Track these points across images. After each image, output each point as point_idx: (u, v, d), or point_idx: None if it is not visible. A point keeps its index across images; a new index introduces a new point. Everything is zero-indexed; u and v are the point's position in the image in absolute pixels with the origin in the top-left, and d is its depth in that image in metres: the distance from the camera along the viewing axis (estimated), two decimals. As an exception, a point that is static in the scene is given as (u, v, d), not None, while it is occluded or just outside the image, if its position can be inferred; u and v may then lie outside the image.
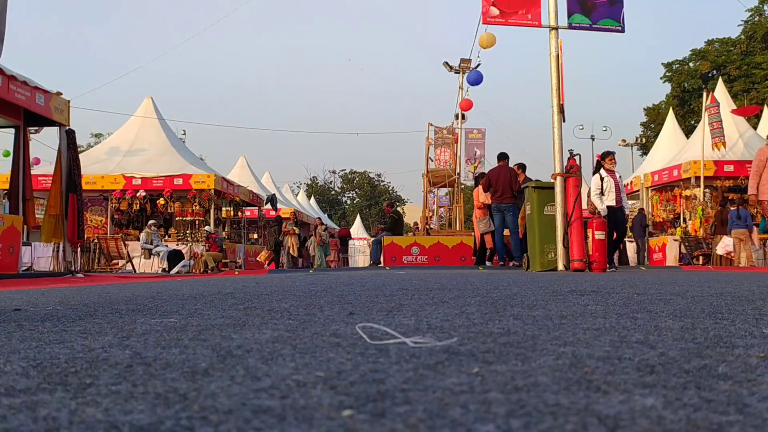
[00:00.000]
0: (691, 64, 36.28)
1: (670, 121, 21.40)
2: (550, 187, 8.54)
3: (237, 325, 1.75)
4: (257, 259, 18.66)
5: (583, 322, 1.77)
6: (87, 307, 2.56)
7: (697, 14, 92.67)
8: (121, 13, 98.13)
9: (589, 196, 9.45)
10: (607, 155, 9.37)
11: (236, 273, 11.68)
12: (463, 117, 22.17)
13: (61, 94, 10.03)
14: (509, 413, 0.75)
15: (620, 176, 9.52)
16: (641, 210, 17.10)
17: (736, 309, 2.15)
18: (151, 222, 15.44)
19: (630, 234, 16.79)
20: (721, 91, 17.23)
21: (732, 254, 13.33)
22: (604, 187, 9.10)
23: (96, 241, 14.82)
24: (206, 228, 15.98)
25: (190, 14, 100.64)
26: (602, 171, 9.16)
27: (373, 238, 19.42)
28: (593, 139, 36.80)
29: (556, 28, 8.74)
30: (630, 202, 22.01)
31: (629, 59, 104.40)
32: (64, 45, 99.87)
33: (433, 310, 2.14)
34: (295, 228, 19.73)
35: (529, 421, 0.71)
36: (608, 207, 9.02)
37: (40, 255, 12.20)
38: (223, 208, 18.64)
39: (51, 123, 10.08)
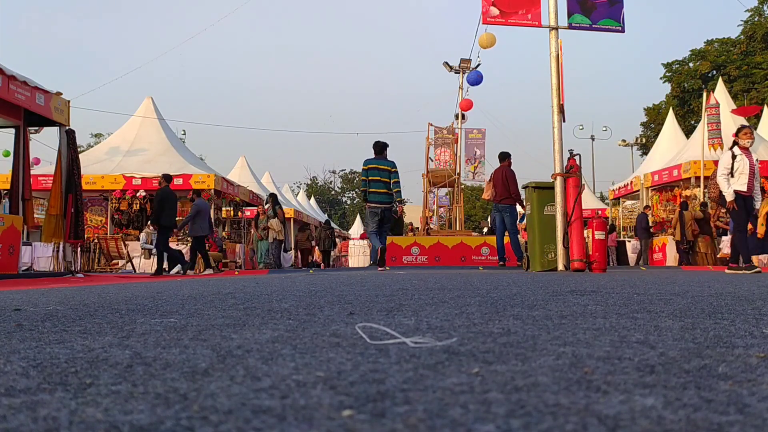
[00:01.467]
0: (691, 64, 36.31)
1: (670, 121, 21.43)
2: (550, 187, 8.54)
3: (237, 325, 1.75)
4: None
5: (583, 322, 1.77)
6: (87, 307, 2.56)
7: (697, 14, 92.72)
8: (121, 12, 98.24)
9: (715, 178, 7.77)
10: (742, 129, 7.69)
11: (236, 273, 11.68)
12: (463, 117, 22.19)
13: (61, 94, 10.04)
14: (509, 413, 0.75)
15: (757, 159, 7.75)
16: (645, 209, 17.07)
17: (736, 309, 2.15)
18: (150, 222, 15.44)
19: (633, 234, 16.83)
20: (721, 91, 17.25)
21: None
22: (735, 168, 7.39)
23: (96, 241, 14.83)
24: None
25: (190, 14, 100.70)
26: (736, 148, 7.50)
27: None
28: (593, 139, 36.83)
29: (556, 28, 8.75)
30: (629, 202, 22.03)
31: (629, 59, 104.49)
32: (64, 45, 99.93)
33: (433, 310, 2.14)
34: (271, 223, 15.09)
35: (529, 421, 0.71)
36: (737, 192, 7.33)
37: (40, 255, 12.20)
38: (223, 208, 18.64)
39: (51, 123, 10.09)
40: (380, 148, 9.79)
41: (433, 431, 0.68)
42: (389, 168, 9.56)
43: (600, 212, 23.72)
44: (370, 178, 9.55)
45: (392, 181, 9.56)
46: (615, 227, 20.26)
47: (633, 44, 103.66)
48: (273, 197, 14.98)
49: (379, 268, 9.44)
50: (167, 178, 11.55)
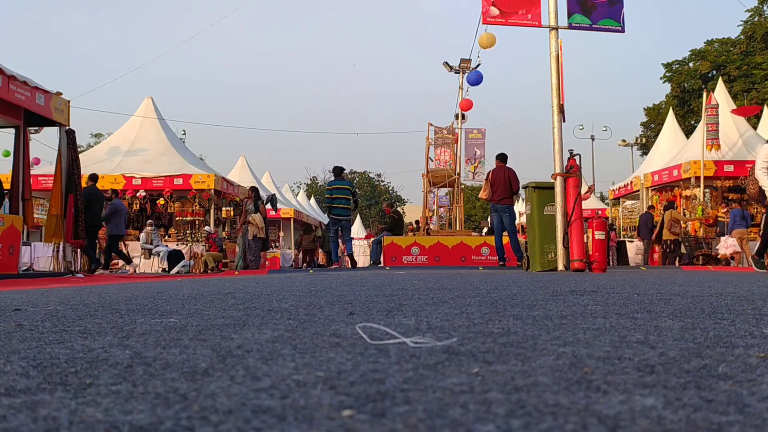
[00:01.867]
0: (691, 64, 36.29)
1: (670, 121, 21.42)
2: (550, 187, 8.54)
3: (237, 325, 1.75)
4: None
5: (583, 322, 1.77)
6: (87, 307, 2.56)
7: (697, 14, 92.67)
8: (121, 12, 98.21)
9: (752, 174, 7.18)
10: None
11: (236, 273, 11.69)
12: (463, 117, 22.19)
13: (61, 94, 10.03)
14: (509, 413, 0.75)
15: None
16: (650, 209, 17.04)
17: (736, 309, 2.15)
18: (149, 221, 15.44)
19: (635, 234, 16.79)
20: (721, 91, 17.24)
21: (733, 254, 13.37)
22: None
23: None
24: (206, 228, 15.97)
25: (190, 14, 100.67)
26: None
27: (373, 239, 19.43)
28: (593, 139, 36.82)
29: (556, 28, 8.75)
30: (629, 202, 22.03)
31: (629, 59, 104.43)
32: (64, 45, 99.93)
33: (433, 310, 2.14)
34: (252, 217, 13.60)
35: (529, 421, 0.71)
36: None
37: (40, 255, 12.20)
38: (223, 208, 18.65)
39: (51, 123, 10.09)
40: (338, 171, 12.79)
41: (433, 431, 0.68)
42: (348, 187, 12.45)
43: (600, 212, 23.72)
44: (334, 195, 12.22)
45: (354, 198, 12.59)
46: (614, 227, 20.25)
47: (633, 44, 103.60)
48: (254, 190, 14.54)
49: (333, 265, 12.59)
50: (93, 177, 11.63)
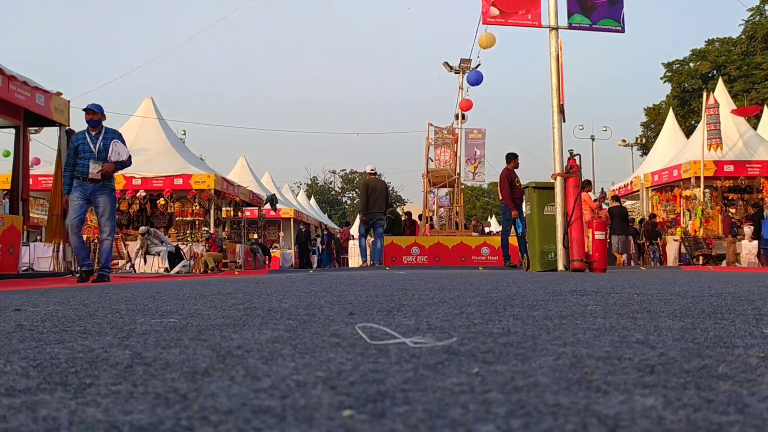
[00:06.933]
0: (691, 64, 36.28)
1: (670, 121, 21.42)
2: (550, 187, 8.54)
3: (237, 325, 1.75)
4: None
5: (583, 322, 1.77)
6: (87, 307, 2.56)
7: (697, 14, 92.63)
8: (120, 12, 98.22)
9: None
10: None
11: (236, 273, 11.68)
12: (463, 117, 22.19)
13: (61, 94, 10.03)
14: (509, 413, 0.75)
15: None
16: (651, 218, 17.00)
17: (736, 309, 2.15)
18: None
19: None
20: (721, 91, 17.24)
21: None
22: None
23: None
24: (205, 228, 15.98)
25: (190, 14, 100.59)
26: None
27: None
28: (593, 139, 36.82)
29: (556, 28, 8.75)
30: (629, 202, 22.01)
31: (629, 59, 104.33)
32: (64, 45, 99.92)
33: (433, 310, 2.14)
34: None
35: (529, 421, 0.71)
36: None
37: (40, 255, 12.20)
38: (223, 208, 18.64)
39: (51, 123, 10.08)
40: None
41: (433, 431, 0.68)
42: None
43: (599, 212, 23.69)
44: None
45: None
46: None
47: (633, 44, 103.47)
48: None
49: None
50: None
